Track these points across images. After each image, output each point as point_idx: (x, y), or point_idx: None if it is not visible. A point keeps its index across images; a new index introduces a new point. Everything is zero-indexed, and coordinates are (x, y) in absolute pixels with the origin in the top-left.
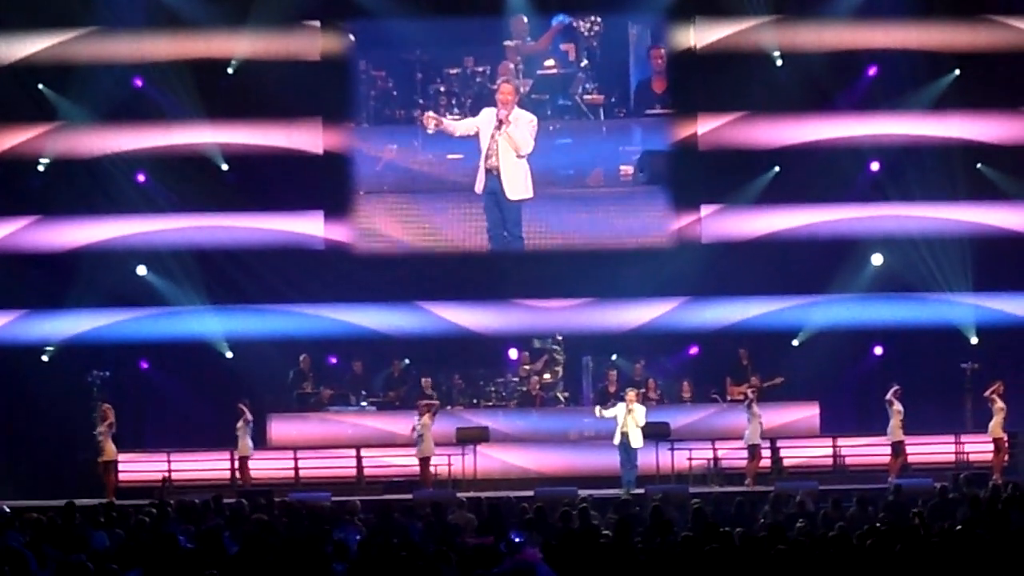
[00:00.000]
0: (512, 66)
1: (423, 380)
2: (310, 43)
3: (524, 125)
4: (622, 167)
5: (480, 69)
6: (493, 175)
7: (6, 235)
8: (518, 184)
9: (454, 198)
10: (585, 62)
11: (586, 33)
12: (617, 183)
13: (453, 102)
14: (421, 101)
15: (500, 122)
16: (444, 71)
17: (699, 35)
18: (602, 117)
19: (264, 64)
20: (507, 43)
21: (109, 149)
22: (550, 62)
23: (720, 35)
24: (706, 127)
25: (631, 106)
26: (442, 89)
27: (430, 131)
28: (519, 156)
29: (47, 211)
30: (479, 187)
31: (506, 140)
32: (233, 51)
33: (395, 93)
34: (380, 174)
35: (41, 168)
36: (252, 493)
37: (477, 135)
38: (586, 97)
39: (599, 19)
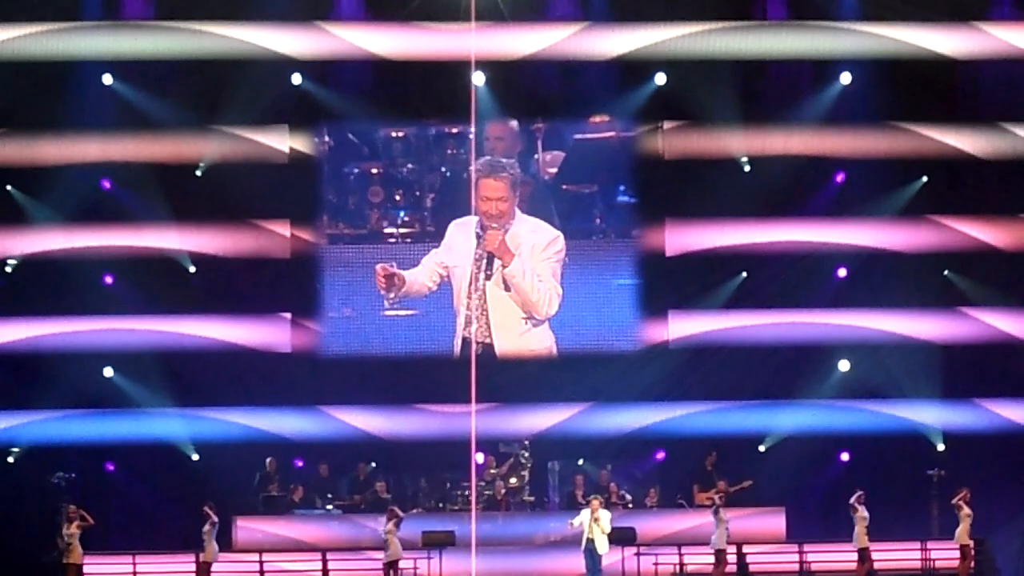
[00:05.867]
0: (514, 125)
1: (377, 484)
2: (278, 146)
3: (539, 257)
4: None
5: (452, 130)
6: (477, 346)
7: None
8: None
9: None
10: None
11: None
12: None
13: (397, 199)
14: (331, 199)
15: (487, 254)
16: (382, 136)
17: (667, 140)
18: None
19: (232, 166)
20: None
21: (77, 250)
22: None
23: (688, 140)
24: (673, 232)
25: None
26: (373, 172)
27: (390, 300)
28: (531, 319)
29: (14, 311)
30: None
31: (499, 290)
32: (201, 153)
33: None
34: None
35: (8, 269)
36: None
37: (447, 280)
38: None
39: None
